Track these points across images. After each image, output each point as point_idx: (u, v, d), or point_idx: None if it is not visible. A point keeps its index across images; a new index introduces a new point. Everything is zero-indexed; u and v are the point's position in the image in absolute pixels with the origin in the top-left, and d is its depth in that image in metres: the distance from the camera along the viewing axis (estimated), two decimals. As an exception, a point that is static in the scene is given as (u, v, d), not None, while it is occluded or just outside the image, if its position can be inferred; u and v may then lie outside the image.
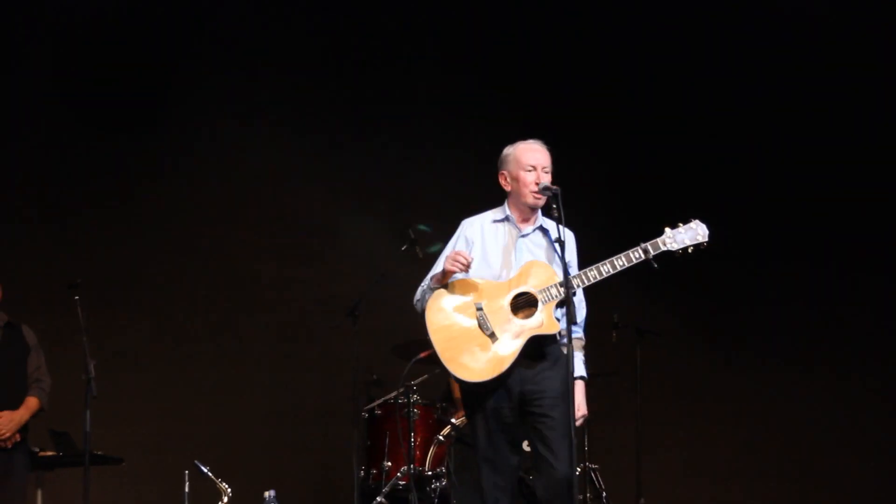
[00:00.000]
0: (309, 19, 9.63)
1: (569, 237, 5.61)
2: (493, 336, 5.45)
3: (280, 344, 9.31)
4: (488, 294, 5.51)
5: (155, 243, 9.20)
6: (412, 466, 7.45)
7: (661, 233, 5.52)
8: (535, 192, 5.55)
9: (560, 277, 5.40)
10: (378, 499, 7.54)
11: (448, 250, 5.71)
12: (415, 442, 7.54)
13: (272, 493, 6.89)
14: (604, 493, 8.13)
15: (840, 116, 9.76)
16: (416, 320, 8.49)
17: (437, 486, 7.46)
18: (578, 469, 7.35)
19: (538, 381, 5.44)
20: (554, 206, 5.41)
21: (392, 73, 9.68)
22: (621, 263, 5.41)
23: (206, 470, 6.14)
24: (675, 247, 5.45)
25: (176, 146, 9.34)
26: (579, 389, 5.55)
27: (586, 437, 8.17)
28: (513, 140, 5.76)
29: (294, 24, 9.59)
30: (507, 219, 5.68)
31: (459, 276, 5.57)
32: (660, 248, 5.42)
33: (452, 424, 7.43)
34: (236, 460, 8.64)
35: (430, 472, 7.57)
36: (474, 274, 5.58)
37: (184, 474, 6.35)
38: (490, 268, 5.60)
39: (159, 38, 9.29)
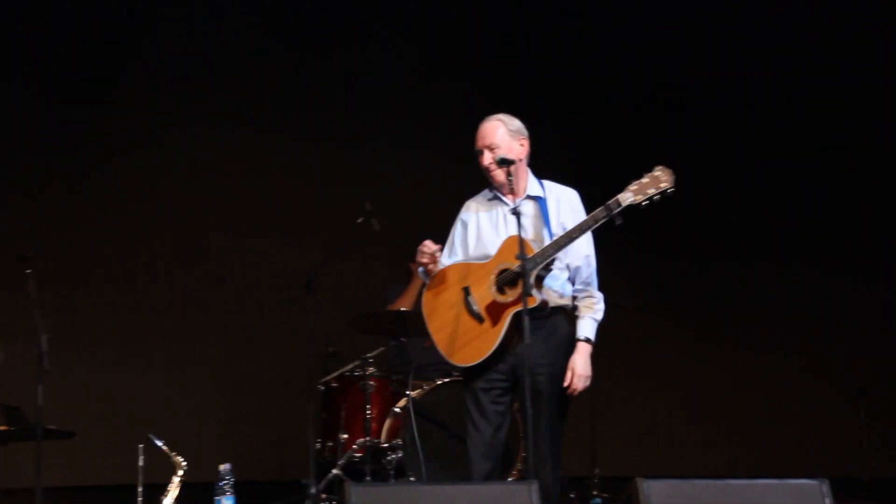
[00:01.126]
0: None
1: (566, 195, 5.59)
2: (479, 318, 5.41)
3: (235, 316, 9.28)
4: (475, 276, 5.46)
5: (109, 217, 9.15)
6: (368, 438, 7.45)
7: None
8: (491, 172, 5.52)
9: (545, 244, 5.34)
10: (334, 471, 7.54)
11: (451, 235, 5.70)
12: (371, 414, 7.54)
13: (228, 466, 6.86)
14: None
15: (803, 110, 9.93)
16: (372, 294, 8.53)
17: (392, 458, 7.46)
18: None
19: (529, 356, 5.27)
20: (509, 177, 5.41)
21: (349, 48, 9.64)
22: (588, 225, 5.30)
23: (160, 443, 6.08)
24: (639, 199, 5.29)
25: (129, 121, 9.28)
26: (582, 352, 5.44)
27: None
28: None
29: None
30: (496, 196, 5.63)
31: (449, 261, 5.58)
32: (621, 203, 5.27)
33: (408, 396, 7.43)
34: (191, 433, 8.61)
35: (385, 445, 7.57)
36: (472, 254, 5.57)
37: (138, 448, 6.31)
38: (485, 246, 5.56)
39: (119, 17, 9.22)
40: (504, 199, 5.58)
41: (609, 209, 5.25)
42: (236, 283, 9.30)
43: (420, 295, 7.75)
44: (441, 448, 7.35)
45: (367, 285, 9.11)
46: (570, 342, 5.43)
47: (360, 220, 7.75)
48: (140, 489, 6.25)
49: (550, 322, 5.43)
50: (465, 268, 5.52)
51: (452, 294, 5.50)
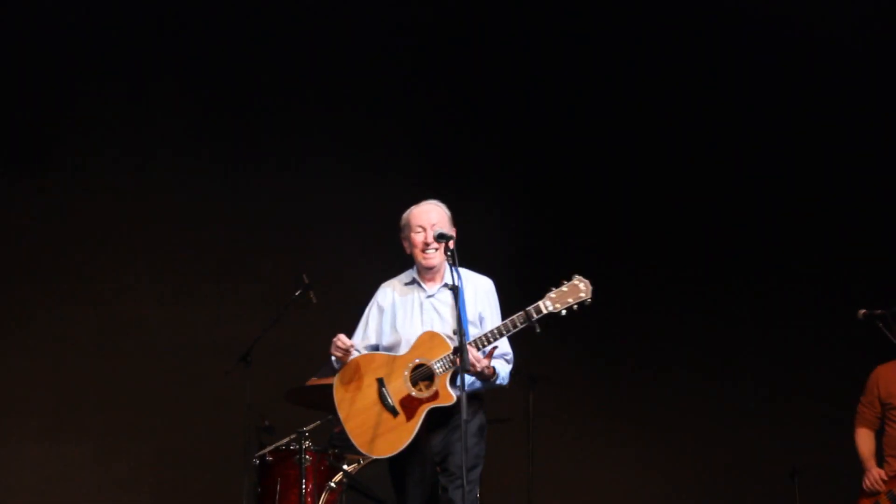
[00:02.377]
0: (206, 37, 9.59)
1: (484, 285, 5.69)
2: (393, 411, 5.47)
3: (169, 388, 9.18)
4: (389, 368, 5.53)
5: (41, 285, 9.06)
6: (304, 513, 7.39)
7: (546, 291, 5.51)
8: (424, 253, 5.62)
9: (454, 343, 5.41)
10: (268, 546, 7.46)
11: (364, 317, 5.77)
12: (306, 489, 7.47)
13: (160, 539, 6.81)
14: (495, 541, 8.13)
15: (707, 129, 10.03)
16: (309, 366, 8.49)
17: (327, 533, 7.40)
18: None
19: (447, 451, 5.49)
20: (448, 253, 5.43)
21: (290, 113, 9.66)
22: (507, 329, 5.42)
23: (91, 517, 6.02)
24: (558, 307, 5.41)
25: (60, 188, 9.22)
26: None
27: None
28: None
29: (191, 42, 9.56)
30: (414, 281, 5.72)
31: (362, 343, 5.68)
32: (542, 311, 5.40)
33: (344, 471, 7.38)
34: (124, 506, 8.53)
35: (320, 519, 7.50)
36: (385, 341, 5.66)
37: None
38: (399, 333, 5.64)
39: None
40: (423, 285, 5.68)
41: (529, 316, 5.40)
42: (171, 354, 9.21)
43: None
44: (376, 524, 7.30)
45: (304, 358, 9.05)
46: (481, 430, 5.56)
47: (297, 293, 7.74)
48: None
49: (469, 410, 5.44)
50: (380, 358, 5.60)
51: (366, 384, 5.55)
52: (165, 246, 9.36)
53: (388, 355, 5.59)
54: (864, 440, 6.98)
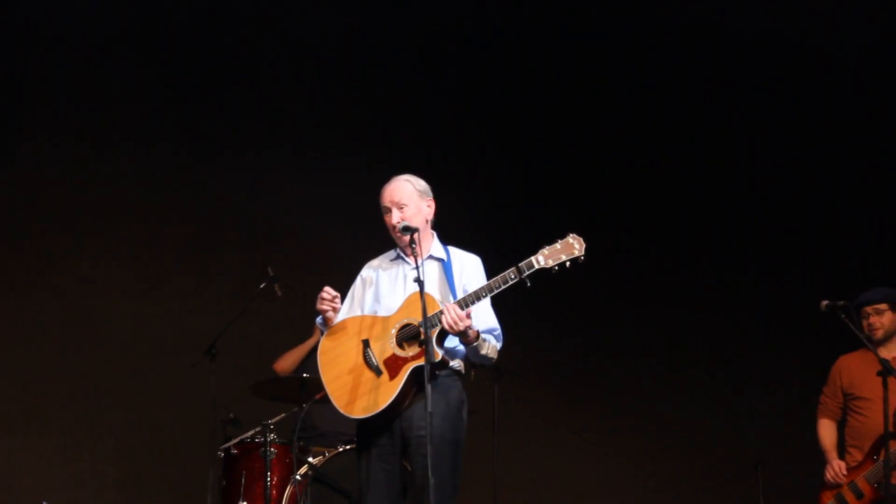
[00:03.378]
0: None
1: (471, 261, 5.66)
2: (378, 371, 5.40)
3: (134, 381, 9.15)
4: (374, 329, 5.48)
5: (6, 277, 9.02)
6: (268, 507, 7.38)
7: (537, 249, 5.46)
8: (397, 234, 5.57)
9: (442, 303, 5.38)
10: (233, 539, 7.45)
11: (350, 292, 5.71)
12: (271, 481, 7.47)
13: (123, 533, 6.79)
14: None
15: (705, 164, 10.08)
16: (275, 359, 8.47)
17: (292, 527, 7.40)
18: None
19: (417, 422, 5.36)
20: (411, 245, 5.43)
21: (255, 103, 9.64)
22: (497, 285, 5.35)
23: (55, 510, 6.00)
24: (550, 263, 5.36)
25: (26, 179, 9.17)
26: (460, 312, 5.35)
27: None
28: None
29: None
30: (398, 256, 5.69)
31: (347, 315, 5.59)
32: (534, 266, 5.35)
33: (310, 464, 7.38)
34: (88, 500, 8.49)
35: (285, 513, 7.50)
36: (367, 311, 5.60)
37: (32, 515, 6.22)
38: (382, 304, 5.59)
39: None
40: (407, 259, 5.62)
41: (520, 271, 5.32)
42: (135, 347, 9.17)
43: (308, 355, 7.76)
44: (342, 516, 7.31)
45: (269, 351, 9.05)
46: (458, 410, 5.44)
47: (262, 286, 7.74)
48: (33, 557, 6.14)
49: (443, 386, 5.42)
50: (366, 320, 5.53)
51: (352, 346, 5.49)
52: (130, 238, 9.33)
53: (375, 317, 5.53)
54: (827, 431, 7.02)
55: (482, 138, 9.97)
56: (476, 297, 5.33)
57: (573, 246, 5.38)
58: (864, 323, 6.89)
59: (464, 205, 9.50)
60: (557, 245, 5.37)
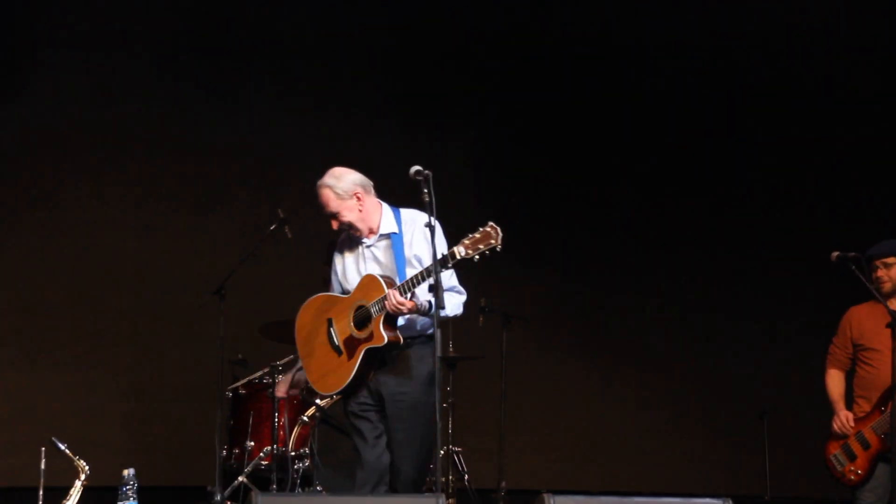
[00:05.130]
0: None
1: (420, 224, 5.78)
2: (338, 350, 5.74)
3: (144, 321, 9.18)
4: (338, 308, 5.79)
5: (13, 217, 9.01)
6: (275, 447, 7.41)
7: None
8: (348, 230, 5.86)
9: (396, 281, 5.65)
10: (240, 478, 7.49)
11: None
12: (278, 422, 7.50)
13: (131, 471, 6.79)
14: (466, 476, 8.18)
15: (694, 134, 10.08)
16: (283, 301, 8.49)
17: (299, 467, 7.43)
18: (442, 452, 7.38)
19: (391, 386, 5.72)
20: (425, 189, 5.47)
21: (261, 55, 9.59)
22: (424, 276, 5.54)
23: (63, 447, 6.01)
24: (470, 253, 5.49)
25: (33, 120, 9.14)
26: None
27: (451, 419, 8.22)
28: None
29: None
30: (351, 234, 5.93)
31: (338, 283, 5.91)
32: (456, 256, 5.51)
33: (317, 405, 7.40)
34: (95, 438, 8.52)
35: (293, 453, 7.53)
36: (336, 288, 5.93)
37: (40, 451, 6.22)
38: (348, 282, 5.89)
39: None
40: (362, 239, 5.88)
41: (444, 261, 5.52)
42: (145, 287, 9.19)
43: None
44: (349, 458, 7.32)
45: (278, 292, 9.04)
46: (430, 377, 5.62)
47: (272, 228, 7.73)
48: (41, 493, 6.16)
49: (412, 353, 5.73)
50: (332, 299, 5.87)
51: (319, 324, 5.84)
52: (140, 177, 9.31)
53: (338, 297, 5.85)
54: (835, 382, 7.00)
55: (485, 86, 9.93)
56: (411, 283, 5.57)
57: (490, 234, 5.49)
58: (873, 276, 6.87)
59: (465, 153, 9.53)
60: (477, 234, 5.51)
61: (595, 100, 10.02)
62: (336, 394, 5.86)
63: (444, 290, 5.57)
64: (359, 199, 5.83)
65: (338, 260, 5.97)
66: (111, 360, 9.08)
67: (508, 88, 9.96)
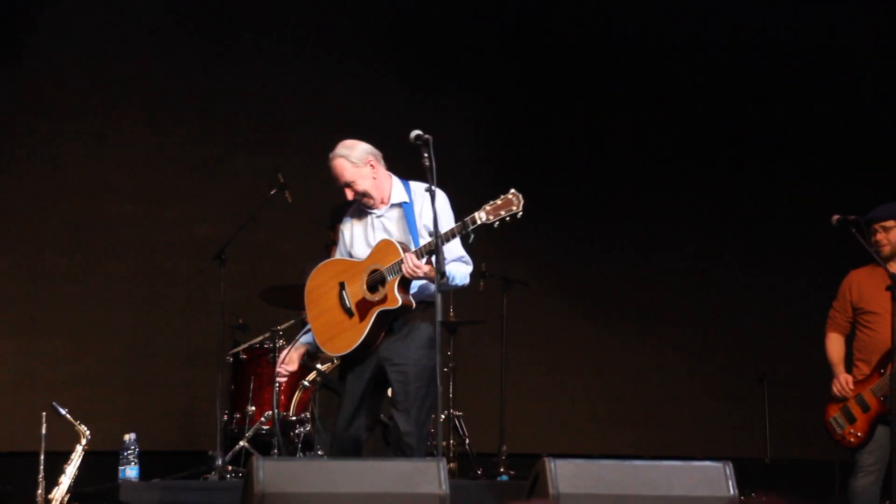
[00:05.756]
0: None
1: (435, 196, 5.73)
2: (350, 312, 5.83)
3: (144, 286, 9.16)
4: (350, 272, 5.86)
5: (11, 181, 8.99)
6: (276, 411, 7.42)
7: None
8: (361, 200, 5.91)
9: (410, 248, 5.74)
10: (241, 443, 7.51)
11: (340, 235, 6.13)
12: (280, 387, 7.51)
13: (132, 435, 6.82)
14: (467, 440, 8.20)
15: (703, 103, 10.06)
16: (284, 266, 8.49)
17: (300, 432, 7.45)
18: (443, 416, 7.39)
19: (393, 352, 5.81)
20: (425, 154, 5.50)
21: (262, 20, 9.55)
22: (447, 238, 5.64)
23: (64, 412, 6.03)
24: (491, 219, 5.59)
25: (32, 85, 9.10)
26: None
27: (451, 384, 8.24)
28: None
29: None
30: (364, 203, 5.99)
31: (345, 253, 6.01)
32: (477, 221, 5.60)
33: (318, 370, 7.41)
34: (96, 402, 8.54)
35: (294, 418, 7.55)
36: (341, 255, 6.03)
37: (41, 416, 6.24)
38: (354, 250, 5.99)
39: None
40: (373, 210, 5.97)
41: (465, 225, 5.64)
42: (145, 252, 9.17)
43: None
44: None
45: (279, 257, 9.06)
46: (430, 341, 5.74)
47: (273, 192, 7.72)
48: (42, 457, 6.18)
49: (414, 319, 5.82)
50: (344, 263, 5.96)
51: (331, 287, 5.92)
52: (138, 142, 9.27)
53: (351, 261, 5.92)
54: (835, 345, 7.01)
55: (487, 50, 9.91)
56: (427, 248, 5.66)
57: (512, 202, 5.61)
58: (872, 239, 6.87)
59: (466, 116, 9.51)
60: (499, 201, 5.62)
61: (595, 64, 9.99)
62: (345, 355, 5.90)
63: (451, 260, 5.79)
64: (372, 167, 5.90)
65: (346, 228, 6.05)
66: (111, 324, 9.07)
67: (512, 51, 9.92)
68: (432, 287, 5.69)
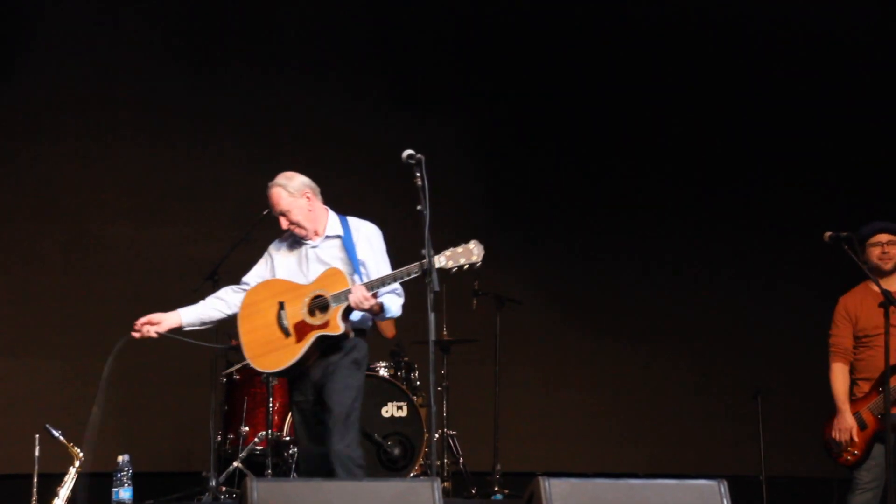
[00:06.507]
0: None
1: (365, 231, 6.07)
2: (286, 332, 5.91)
3: (136, 307, 9.10)
4: (292, 294, 5.96)
5: (8, 202, 9.00)
6: (270, 432, 7.41)
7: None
8: (294, 231, 6.09)
9: (355, 281, 5.89)
10: (235, 464, 7.49)
11: (259, 263, 6.28)
12: (273, 407, 7.50)
13: (126, 457, 6.80)
14: (461, 459, 8.19)
15: (697, 115, 10.10)
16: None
17: (294, 452, 7.44)
18: (438, 434, 7.39)
19: (322, 373, 5.94)
20: (417, 174, 5.51)
21: (260, 27, 9.57)
22: (403, 275, 5.79)
23: (57, 434, 6.01)
24: (450, 265, 5.71)
25: (24, 106, 9.12)
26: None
27: (445, 403, 8.22)
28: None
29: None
30: (297, 234, 6.16)
31: (259, 279, 6.17)
32: (435, 265, 5.64)
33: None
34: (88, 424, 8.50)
35: (287, 438, 7.54)
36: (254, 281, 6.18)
37: (34, 438, 6.22)
38: (284, 278, 6.10)
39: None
40: (307, 241, 6.12)
41: (422, 266, 5.67)
42: (138, 273, 9.17)
43: None
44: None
45: (272, 277, 9.04)
46: (357, 363, 5.96)
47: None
48: (35, 479, 6.16)
49: (346, 345, 5.94)
50: (285, 284, 6.05)
51: (269, 305, 5.99)
52: (131, 162, 9.28)
53: (293, 283, 6.02)
54: (840, 378, 6.72)
55: (479, 68, 9.93)
56: (381, 282, 5.83)
57: (472, 252, 5.73)
58: (877, 251, 6.82)
59: (458, 135, 9.52)
60: (459, 248, 5.73)
61: (590, 79, 10.01)
62: (273, 373, 6.14)
63: (385, 292, 5.93)
64: (308, 199, 6.09)
65: (276, 255, 6.18)
66: (103, 345, 8.99)
67: (502, 71, 9.95)
68: (368, 315, 5.92)
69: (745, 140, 10.12)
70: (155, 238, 9.26)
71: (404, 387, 7.69)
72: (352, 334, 5.92)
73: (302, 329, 5.89)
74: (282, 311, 5.93)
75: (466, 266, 5.73)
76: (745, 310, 9.97)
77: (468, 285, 8.45)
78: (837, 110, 10.03)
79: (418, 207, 5.51)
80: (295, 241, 6.16)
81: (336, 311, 5.82)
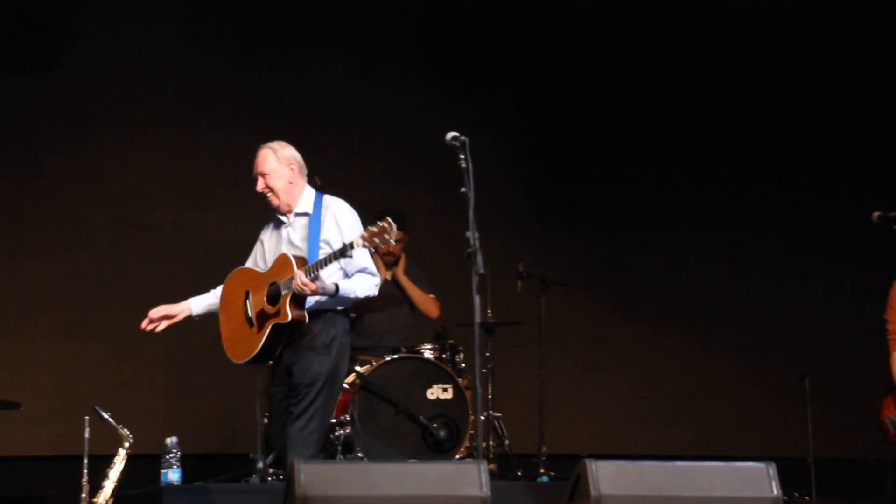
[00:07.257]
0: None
1: (336, 209, 6.04)
2: (250, 322, 5.97)
3: (183, 288, 9.15)
4: (256, 283, 6.00)
5: (51, 187, 9.08)
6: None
7: None
8: (266, 196, 6.11)
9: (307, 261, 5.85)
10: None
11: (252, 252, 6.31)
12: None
13: (174, 439, 6.86)
14: (506, 441, 8.19)
15: (727, 110, 10.04)
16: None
17: (341, 434, 7.45)
18: (483, 416, 7.38)
19: (289, 359, 5.96)
20: (461, 156, 5.46)
21: (298, 27, 9.59)
22: (329, 260, 5.77)
23: (106, 416, 6.06)
24: (367, 245, 5.69)
25: (70, 92, 9.18)
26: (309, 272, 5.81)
27: (490, 385, 8.21)
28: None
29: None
30: (279, 218, 6.18)
31: (260, 262, 6.16)
32: (354, 246, 5.69)
33: (357, 372, 7.42)
34: (138, 406, 8.58)
35: (333, 420, 7.55)
36: (250, 262, 6.22)
37: (83, 420, 6.27)
38: (265, 261, 6.15)
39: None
40: (282, 218, 6.13)
41: (344, 249, 5.72)
42: (183, 256, 9.22)
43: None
44: (390, 424, 7.38)
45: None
46: (325, 347, 5.92)
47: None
48: (86, 461, 6.21)
49: (313, 327, 5.92)
50: (251, 273, 6.11)
51: (238, 295, 6.09)
52: (177, 147, 9.33)
53: (257, 271, 6.09)
54: None
55: (524, 51, 9.90)
56: (316, 267, 5.78)
57: (385, 229, 5.65)
58: None
59: (503, 117, 9.50)
60: (374, 228, 5.68)
61: (632, 61, 9.96)
62: (244, 363, 6.06)
63: (354, 272, 5.92)
64: (292, 170, 6.09)
65: (265, 241, 6.20)
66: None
67: (547, 57, 9.90)
68: (329, 298, 5.85)
69: (793, 125, 10.03)
70: (198, 222, 9.32)
71: (449, 369, 7.68)
72: (307, 319, 5.86)
73: (262, 318, 5.92)
74: (247, 301, 5.98)
75: (381, 245, 5.69)
76: (793, 291, 9.91)
77: (513, 267, 8.44)
78: (881, 89, 9.94)
79: (462, 189, 5.46)
80: (277, 223, 6.16)
81: (285, 299, 5.79)
